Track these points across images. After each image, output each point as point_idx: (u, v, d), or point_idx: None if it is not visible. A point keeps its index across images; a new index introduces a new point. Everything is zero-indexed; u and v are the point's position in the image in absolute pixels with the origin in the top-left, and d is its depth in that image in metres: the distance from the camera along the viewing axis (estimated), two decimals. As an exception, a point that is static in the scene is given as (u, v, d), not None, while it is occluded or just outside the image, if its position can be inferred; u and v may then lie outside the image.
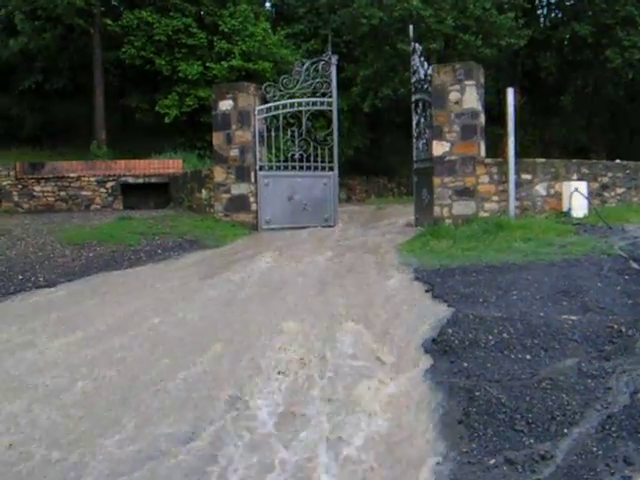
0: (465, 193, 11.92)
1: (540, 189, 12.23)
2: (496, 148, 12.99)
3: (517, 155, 11.95)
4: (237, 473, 3.36)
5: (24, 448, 3.76)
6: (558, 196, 12.15)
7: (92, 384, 4.80)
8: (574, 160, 13.28)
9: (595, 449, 3.37)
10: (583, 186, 11.97)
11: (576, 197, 11.79)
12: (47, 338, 5.98)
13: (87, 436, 3.85)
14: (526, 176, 12.12)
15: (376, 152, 26.84)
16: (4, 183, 17.98)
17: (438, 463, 3.32)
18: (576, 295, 6.42)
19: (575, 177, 12.39)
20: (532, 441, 3.49)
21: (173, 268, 9.54)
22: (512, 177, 11.77)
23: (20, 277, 8.65)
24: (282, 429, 3.84)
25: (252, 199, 13.72)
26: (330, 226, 13.90)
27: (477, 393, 4.08)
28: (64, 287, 8.35)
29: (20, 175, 18.02)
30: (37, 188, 18.05)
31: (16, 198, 17.99)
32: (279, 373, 4.79)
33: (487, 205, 11.93)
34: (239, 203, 13.72)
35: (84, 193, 18.17)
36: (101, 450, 3.67)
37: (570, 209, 11.76)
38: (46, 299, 7.74)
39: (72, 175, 18.15)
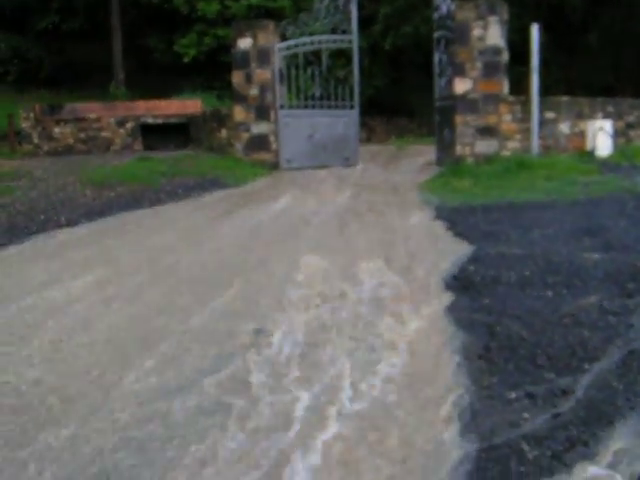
0: (487, 132, 11.79)
1: (564, 128, 12.05)
2: (519, 87, 12.75)
3: (541, 94, 11.76)
4: (259, 408, 3.39)
5: (54, 382, 3.81)
6: (582, 135, 11.98)
7: (114, 321, 4.84)
8: (599, 98, 13.02)
9: (615, 384, 3.36)
10: (608, 125, 11.78)
11: (601, 136, 11.61)
12: (71, 276, 6.03)
13: (110, 370, 3.90)
14: (550, 114, 11.93)
15: (397, 92, 26.48)
16: (24, 125, 17.99)
17: (459, 397, 3.32)
18: (599, 233, 6.36)
19: (600, 116, 12.18)
20: (553, 376, 3.48)
21: (194, 207, 9.57)
22: (535, 115, 11.60)
23: (42, 217, 8.69)
24: (303, 365, 3.86)
25: (272, 138, 13.65)
26: (351, 165, 13.84)
27: (498, 329, 4.08)
28: (85, 227, 8.40)
29: (39, 117, 18.00)
30: (56, 130, 18.04)
31: (36, 140, 18.01)
32: (300, 309, 4.80)
33: (510, 144, 11.80)
34: (259, 142, 13.65)
35: (103, 134, 18.14)
36: (124, 383, 3.71)
37: (594, 148, 11.60)
38: (68, 239, 7.78)
39: (91, 116, 18.11)
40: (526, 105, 11.70)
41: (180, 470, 2.82)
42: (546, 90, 12.45)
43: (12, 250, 7.28)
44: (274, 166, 13.49)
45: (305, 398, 3.46)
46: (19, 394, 3.63)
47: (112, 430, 3.19)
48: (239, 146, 13.80)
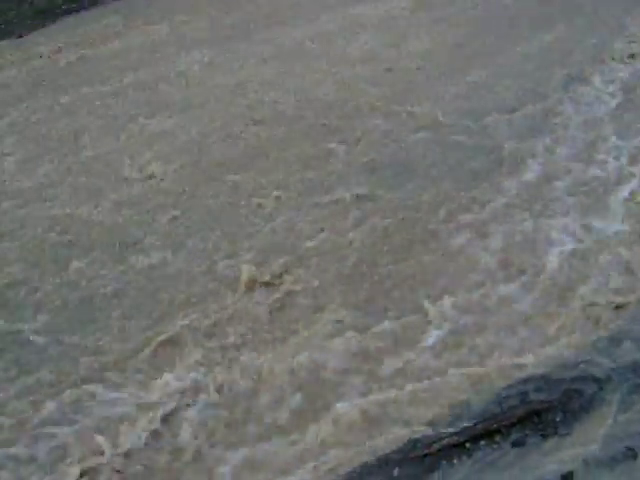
0: None
1: None
2: None
3: None
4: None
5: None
6: None
7: (417, 46, 4.87)
8: None
9: None
10: None
11: None
12: None
13: (409, 97, 3.96)
14: None
15: None
16: None
17: None
18: None
19: None
20: None
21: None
22: None
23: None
24: (618, 113, 3.71)
25: None
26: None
27: None
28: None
29: None
30: None
31: None
32: (619, 62, 4.55)
33: None
34: None
35: None
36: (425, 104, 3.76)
37: None
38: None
39: None
40: None
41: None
42: None
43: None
44: None
45: (616, 142, 3.36)
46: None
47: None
48: None
